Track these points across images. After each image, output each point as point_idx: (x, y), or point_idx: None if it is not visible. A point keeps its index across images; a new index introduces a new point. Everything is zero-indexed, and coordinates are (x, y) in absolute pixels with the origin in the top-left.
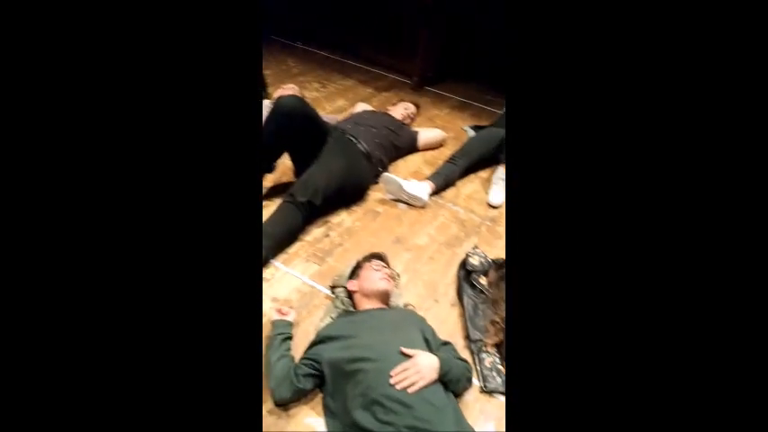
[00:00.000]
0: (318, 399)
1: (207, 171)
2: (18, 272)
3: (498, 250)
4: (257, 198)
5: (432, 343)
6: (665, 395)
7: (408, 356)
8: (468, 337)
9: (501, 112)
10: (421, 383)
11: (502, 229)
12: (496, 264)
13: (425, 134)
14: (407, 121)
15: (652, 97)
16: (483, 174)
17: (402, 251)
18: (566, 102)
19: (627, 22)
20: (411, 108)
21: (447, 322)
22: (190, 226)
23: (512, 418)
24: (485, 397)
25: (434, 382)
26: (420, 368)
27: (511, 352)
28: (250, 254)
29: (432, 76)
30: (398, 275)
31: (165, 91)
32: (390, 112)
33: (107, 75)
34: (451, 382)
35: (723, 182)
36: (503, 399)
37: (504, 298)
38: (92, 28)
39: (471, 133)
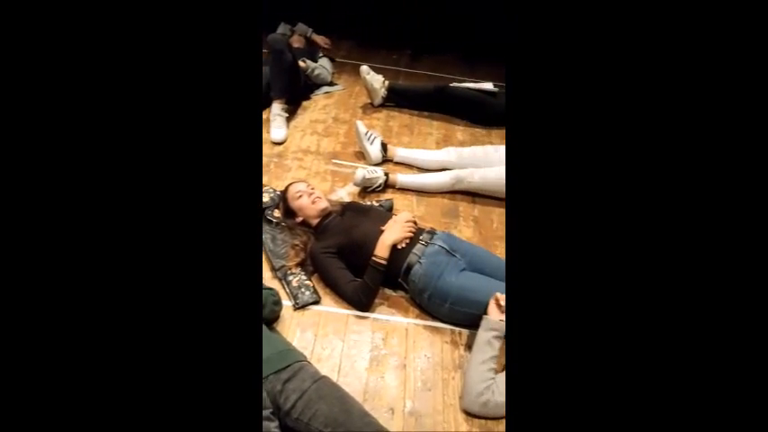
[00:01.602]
0: None
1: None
2: (15, 270)
3: (287, 181)
4: (257, 191)
5: None
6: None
7: None
8: (273, 268)
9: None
10: None
11: (288, 162)
12: (283, 192)
13: None
14: None
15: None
16: (263, 115)
17: None
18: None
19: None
20: None
21: None
22: (185, 223)
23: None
24: (299, 312)
25: None
26: None
27: (511, 347)
28: (249, 252)
29: None
30: None
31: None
32: None
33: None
34: None
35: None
36: (315, 308)
37: (299, 223)
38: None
39: None
